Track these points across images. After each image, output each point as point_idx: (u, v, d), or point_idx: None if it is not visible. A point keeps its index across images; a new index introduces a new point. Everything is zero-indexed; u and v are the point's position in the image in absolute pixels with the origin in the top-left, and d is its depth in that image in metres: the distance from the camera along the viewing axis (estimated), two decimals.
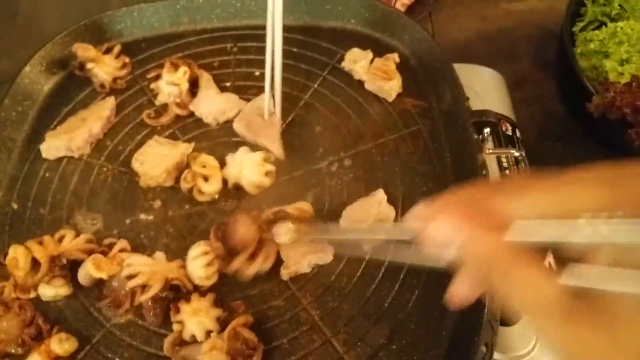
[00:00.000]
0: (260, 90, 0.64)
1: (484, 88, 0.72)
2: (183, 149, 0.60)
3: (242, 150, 0.60)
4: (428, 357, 0.49)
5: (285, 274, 0.53)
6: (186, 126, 0.65)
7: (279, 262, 0.54)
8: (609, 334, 0.25)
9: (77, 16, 1.05)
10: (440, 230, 0.30)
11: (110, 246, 0.55)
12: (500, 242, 0.29)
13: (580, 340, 0.26)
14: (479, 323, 0.47)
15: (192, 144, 0.62)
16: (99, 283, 0.54)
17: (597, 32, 0.75)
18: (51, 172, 0.62)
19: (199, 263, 0.53)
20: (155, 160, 0.59)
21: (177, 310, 0.51)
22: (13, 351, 0.51)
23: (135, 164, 0.60)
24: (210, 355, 0.48)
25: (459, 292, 0.32)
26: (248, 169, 0.58)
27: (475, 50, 0.93)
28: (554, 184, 0.29)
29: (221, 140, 0.64)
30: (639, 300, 0.25)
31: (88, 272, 0.52)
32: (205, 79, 0.66)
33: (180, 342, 0.51)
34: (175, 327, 0.51)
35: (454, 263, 0.30)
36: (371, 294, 0.53)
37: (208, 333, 0.50)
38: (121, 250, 0.55)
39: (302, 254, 0.53)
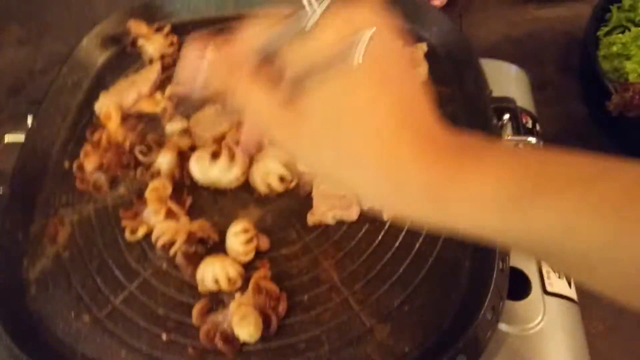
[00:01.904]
0: None
1: (507, 83, 0.75)
2: (236, 120, 0.65)
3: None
4: (438, 318, 0.52)
5: (310, 220, 0.58)
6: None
7: (305, 225, 0.59)
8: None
9: (126, 2, 1.13)
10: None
11: (182, 201, 0.61)
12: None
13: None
14: (487, 287, 0.50)
15: None
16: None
17: (620, 35, 0.78)
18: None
19: (239, 239, 0.56)
20: (209, 125, 0.64)
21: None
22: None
23: (192, 123, 0.65)
24: (240, 311, 0.51)
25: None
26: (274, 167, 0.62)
27: (503, 52, 0.96)
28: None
29: None
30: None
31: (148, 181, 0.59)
32: None
33: (208, 310, 0.54)
34: (200, 284, 0.55)
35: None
36: (388, 259, 0.56)
37: (231, 282, 0.54)
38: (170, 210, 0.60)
39: (329, 206, 0.58)
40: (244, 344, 0.52)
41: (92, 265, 0.58)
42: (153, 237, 0.57)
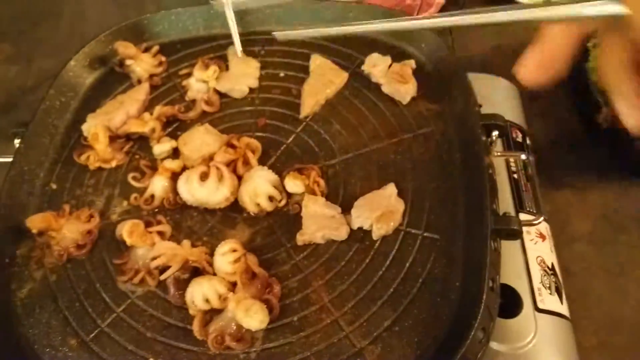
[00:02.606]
0: (284, 90, 0.71)
1: (497, 96, 0.76)
2: (225, 140, 0.65)
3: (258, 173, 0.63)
4: (428, 339, 0.52)
5: (300, 239, 0.58)
6: (213, 121, 0.70)
7: (295, 245, 0.58)
8: None
9: (117, 21, 1.13)
10: None
11: (157, 222, 0.60)
12: None
13: None
14: (477, 308, 0.50)
15: None
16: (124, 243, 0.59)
17: None
18: None
19: (227, 259, 0.56)
20: (197, 145, 0.64)
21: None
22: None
23: (180, 142, 0.65)
24: (241, 306, 0.52)
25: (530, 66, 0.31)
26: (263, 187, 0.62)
27: (493, 63, 0.96)
28: None
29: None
30: None
31: (121, 230, 0.58)
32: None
33: (207, 321, 0.54)
34: (190, 306, 0.55)
35: None
36: (378, 279, 0.56)
37: (221, 299, 0.54)
38: (159, 232, 0.59)
39: (319, 227, 0.58)
40: None
41: (79, 289, 0.58)
42: (150, 255, 0.57)
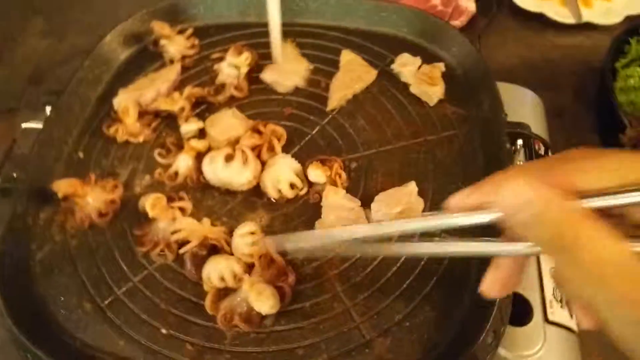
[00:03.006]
0: (312, 82, 0.73)
1: (522, 108, 0.76)
2: (251, 125, 0.66)
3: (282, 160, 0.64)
4: (438, 337, 0.52)
5: (318, 228, 0.59)
6: (240, 107, 0.71)
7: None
8: None
9: (150, 3, 1.15)
10: (515, 190, 0.31)
11: (179, 198, 0.61)
12: (576, 206, 0.29)
13: None
14: (490, 310, 0.50)
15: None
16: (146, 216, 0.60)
17: (638, 68, 0.78)
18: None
19: (245, 241, 0.57)
20: (224, 128, 0.65)
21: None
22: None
23: (207, 124, 0.66)
24: (255, 289, 0.53)
25: (494, 282, 0.35)
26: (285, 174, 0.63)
27: (520, 76, 0.96)
28: (627, 155, 0.30)
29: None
30: None
31: (144, 203, 0.59)
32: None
33: (219, 297, 0.55)
34: (205, 282, 0.56)
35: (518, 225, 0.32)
36: (392, 274, 0.56)
37: (236, 279, 0.55)
38: (181, 208, 0.60)
39: (338, 217, 0.59)
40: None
41: (98, 255, 0.59)
42: (171, 228, 0.58)
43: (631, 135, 0.72)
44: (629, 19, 0.98)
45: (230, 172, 0.62)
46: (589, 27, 1.01)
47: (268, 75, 0.72)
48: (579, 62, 0.99)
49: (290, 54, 0.74)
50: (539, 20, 1.03)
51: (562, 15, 1.01)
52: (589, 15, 1.01)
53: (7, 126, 0.95)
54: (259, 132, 0.66)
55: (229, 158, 0.62)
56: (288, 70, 0.72)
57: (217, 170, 0.62)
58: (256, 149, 0.65)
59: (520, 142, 0.62)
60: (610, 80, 0.78)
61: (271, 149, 0.65)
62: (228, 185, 0.63)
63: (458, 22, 0.99)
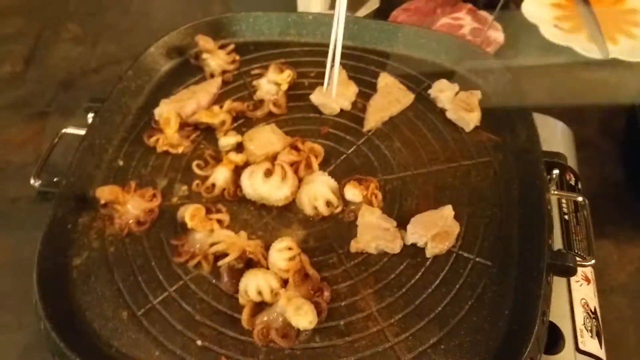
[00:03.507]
0: (353, 105, 0.74)
1: (553, 138, 0.77)
2: (287, 144, 0.67)
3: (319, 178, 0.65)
4: None
5: (353, 246, 0.60)
6: (278, 123, 0.72)
7: (347, 252, 0.60)
8: None
9: (182, 18, 1.17)
10: None
11: (217, 210, 0.62)
12: None
13: None
14: (528, 337, 0.50)
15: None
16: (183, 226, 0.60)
17: None
18: None
19: (283, 256, 0.58)
20: (262, 143, 0.66)
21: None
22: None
23: (245, 138, 0.67)
24: (292, 304, 0.53)
25: None
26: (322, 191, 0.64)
27: (546, 108, 0.98)
28: None
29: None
30: None
31: (183, 213, 0.59)
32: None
33: (255, 312, 0.55)
34: (242, 295, 0.56)
35: None
36: (427, 296, 0.57)
37: (273, 293, 0.55)
38: (218, 220, 0.61)
39: (373, 237, 0.59)
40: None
41: (135, 264, 0.60)
42: (209, 240, 0.59)
43: None
44: None
45: (269, 187, 0.63)
46: (614, 63, 1.03)
47: (316, 97, 0.73)
48: (605, 97, 1.00)
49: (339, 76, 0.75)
50: (566, 55, 1.05)
51: (588, 50, 1.03)
52: (616, 51, 1.02)
53: (39, 129, 0.97)
54: (297, 149, 0.67)
55: (268, 173, 0.63)
56: (337, 93, 0.72)
57: (256, 185, 0.63)
58: (294, 165, 0.65)
59: (556, 171, 0.63)
60: (635, 114, 0.79)
61: (309, 166, 0.66)
62: (265, 200, 0.64)
63: (490, 50, 1.01)
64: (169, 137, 0.68)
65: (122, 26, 1.20)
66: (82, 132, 0.68)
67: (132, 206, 0.62)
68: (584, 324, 0.61)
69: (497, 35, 1.05)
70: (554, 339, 0.59)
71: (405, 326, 0.55)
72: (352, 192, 0.63)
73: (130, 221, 0.61)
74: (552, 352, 0.58)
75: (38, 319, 0.54)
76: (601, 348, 0.62)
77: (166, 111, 0.69)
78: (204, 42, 0.75)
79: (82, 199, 0.64)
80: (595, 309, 0.64)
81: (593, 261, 0.60)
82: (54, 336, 0.52)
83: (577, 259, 0.58)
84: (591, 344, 0.60)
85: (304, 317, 0.53)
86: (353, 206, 0.64)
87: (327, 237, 0.62)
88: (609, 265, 0.79)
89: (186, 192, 0.66)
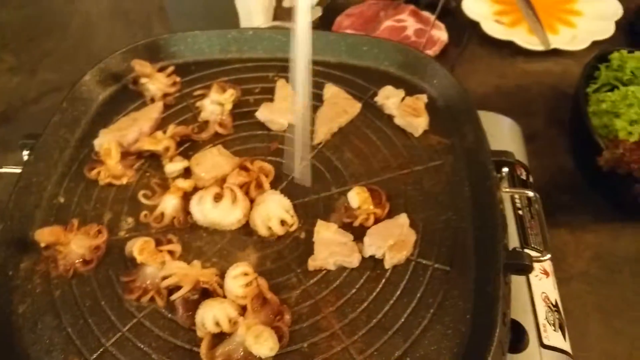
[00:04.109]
0: None
1: (501, 135, 0.78)
2: (237, 165, 0.66)
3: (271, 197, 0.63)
4: None
5: (311, 265, 0.58)
6: (225, 143, 0.70)
7: (305, 270, 0.58)
8: None
9: (123, 39, 1.14)
10: None
11: (168, 241, 0.60)
12: None
13: None
14: (490, 342, 0.50)
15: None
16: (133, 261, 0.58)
17: (609, 93, 0.81)
18: None
19: (239, 282, 0.56)
20: (210, 166, 0.65)
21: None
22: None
23: (193, 162, 0.66)
24: (252, 332, 0.51)
25: None
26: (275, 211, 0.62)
27: (493, 103, 0.99)
28: None
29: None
30: None
31: (131, 247, 0.57)
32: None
33: (214, 343, 0.53)
34: (199, 328, 0.54)
35: None
36: (389, 308, 0.56)
37: (231, 323, 0.53)
38: (169, 252, 0.59)
39: (331, 253, 0.58)
40: None
41: (84, 306, 0.57)
42: (161, 274, 0.56)
43: (607, 157, 0.74)
44: (595, 44, 1.03)
45: (219, 212, 0.61)
46: (556, 53, 1.06)
47: (262, 114, 0.72)
48: (549, 87, 1.03)
49: (283, 91, 0.74)
50: (509, 48, 1.07)
51: (530, 42, 1.05)
52: (557, 41, 1.05)
53: None
54: (246, 170, 0.65)
55: (217, 197, 0.61)
56: (282, 108, 0.71)
57: (205, 211, 0.61)
58: (244, 187, 0.64)
59: (505, 170, 0.64)
60: (584, 105, 0.80)
61: (259, 186, 0.64)
62: (217, 225, 0.62)
63: (431, 52, 1.02)
64: (111, 169, 0.65)
65: (61, 52, 1.16)
66: (18, 170, 0.65)
67: (76, 245, 0.59)
68: (547, 318, 0.62)
69: (441, 34, 1.06)
70: (518, 337, 0.59)
71: (370, 341, 0.54)
72: (362, 197, 0.62)
73: (76, 261, 0.59)
74: (516, 350, 0.58)
75: None
76: (565, 340, 0.62)
77: (106, 141, 0.66)
78: (141, 66, 0.72)
79: (23, 242, 0.60)
80: (556, 301, 0.65)
81: (549, 256, 0.60)
82: None
83: (534, 254, 0.58)
84: (555, 338, 0.61)
85: (264, 345, 0.51)
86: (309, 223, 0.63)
87: (284, 257, 0.61)
88: (567, 254, 0.80)
89: (134, 224, 0.63)
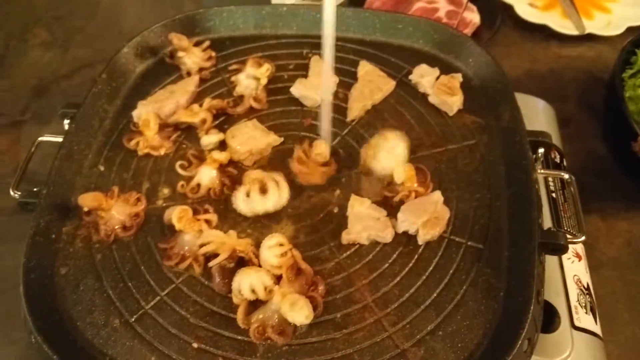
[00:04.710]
0: (334, 95, 0.73)
1: (535, 116, 0.77)
2: (271, 139, 0.67)
3: None
4: (472, 345, 0.52)
5: (345, 238, 0.59)
6: (260, 118, 0.71)
7: (339, 244, 0.59)
8: None
9: (153, 16, 1.14)
10: None
11: (204, 211, 0.61)
12: None
13: None
14: (524, 318, 0.50)
15: (282, 138, 0.68)
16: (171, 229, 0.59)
17: None
18: None
19: (274, 253, 0.57)
20: (245, 139, 0.66)
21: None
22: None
23: (228, 136, 0.66)
24: (287, 300, 0.53)
25: None
26: None
27: (525, 87, 0.98)
28: None
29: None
30: None
31: (170, 215, 0.58)
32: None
33: (250, 311, 0.55)
34: (236, 295, 0.55)
35: None
36: (422, 283, 0.57)
37: (267, 291, 0.55)
38: (206, 221, 0.60)
39: (365, 227, 0.59)
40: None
41: (124, 270, 0.58)
42: (198, 241, 0.58)
43: None
44: (630, 30, 1.01)
45: (270, 202, 0.62)
46: (590, 38, 1.04)
47: (296, 90, 0.72)
48: (583, 72, 1.01)
49: (317, 67, 0.74)
50: (542, 32, 1.05)
51: (564, 26, 1.03)
52: (591, 27, 1.03)
53: (14, 139, 0.94)
54: None
55: (263, 190, 0.62)
56: (316, 85, 0.71)
57: (255, 205, 0.62)
58: None
59: (541, 150, 0.63)
60: (621, 90, 0.79)
61: None
62: (266, 213, 0.62)
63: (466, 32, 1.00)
64: (149, 139, 0.66)
65: (91, 29, 1.17)
66: (59, 139, 0.66)
67: (117, 212, 0.60)
68: (578, 300, 0.62)
69: (473, 16, 1.05)
70: (550, 318, 0.59)
71: (402, 315, 0.55)
72: (409, 174, 0.62)
73: (116, 227, 0.60)
74: (548, 330, 0.59)
75: (28, 333, 0.53)
76: (596, 323, 0.62)
77: (145, 113, 0.67)
78: (178, 39, 0.73)
79: (65, 207, 0.62)
80: (588, 284, 0.65)
81: (583, 237, 0.60)
82: (46, 349, 0.51)
83: (567, 236, 0.58)
84: (586, 320, 0.61)
85: (299, 312, 0.52)
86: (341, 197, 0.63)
87: (318, 231, 0.61)
88: (598, 240, 0.79)
89: (171, 193, 0.65)
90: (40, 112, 0.99)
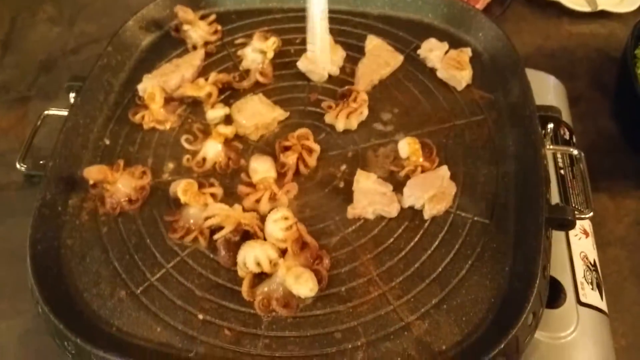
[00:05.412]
0: (341, 69, 0.72)
1: (546, 93, 0.76)
2: (277, 114, 0.66)
3: None
4: (476, 319, 0.52)
5: (350, 213, 0.59)
6: (266, 92, 0.70)
7: (344, 219, 0.59)
8: None
9: None
10: None
11: (210, 184, 0.61)
12: None
13: None
14: (530, 292, 0.50)
15: (287, 113, 0.68)
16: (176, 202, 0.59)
17: None
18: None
19: (279, 226, 0.57)
20: (250, 114, 0.65)
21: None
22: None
23: (234, 110, 0.66)
24: (292, 273, 0.53)
25: None
26: None
27: (536, 64, 0.96)
28: None
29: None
30: None
31: (176, 188, 0.58)
32: None
33: (255, 283, 0.55)
34: (241, 267, 0.56)
35: None
36: (427, 257, 0.56)
37: (272, 264, 0.55)
38: (212, 194, 0.60)
39: (370, 202, 0.59)
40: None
41: (130, 242, 0.59)
42: (203, 214, 0.58)
43: None
44: None
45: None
46: (603, 15, 1.02)
47: (303, 64, 0.71)
48: (594, 50, 0.99)
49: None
50: (554, 9, 1.03)
51: (577, 3, 1.01)
52: (604, 3, 1.01)
53: (21, 114, 0.94)
54: (289, 148, 0.64)
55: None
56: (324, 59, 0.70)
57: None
58: (299, 160, 0.63)
59: (550, 126, 0.62)
60: (632, 68, 0.77)
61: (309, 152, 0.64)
62: None
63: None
64: (154, 113, 0.66)
65: (98, 4, 1.16)
66: (65, 113, 0.66)
67: (122, 185, 0.60)
68: (584, 276, 0.62)
69: None
70: (555, 293, 0.59)
71: (407, 288, 0.55)
72: (413, 148, 0.61)
73: (122, 200, 0.60)
74: (553, 305, 0.58)
75: (35, 304, 0.54)
76: (602, 299, 0.62)
77: (150, 86, 0.67)
78: (184, 12, 0.72)
79: (71, 180, 0.62)
80: (594, 261, 0.64)
81: (591, 213, 0.59)
82: (53, 319, 0.51)
83: (575, 212, 0.58)
84: (592, 296, 0.61)
85: (304, 285, 0.52)
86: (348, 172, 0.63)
87: (323, 205, 0.61)
88: (606, 219, 0.78)
89: (177, 167, 0.64)
90: (47, 88, 0.99)
